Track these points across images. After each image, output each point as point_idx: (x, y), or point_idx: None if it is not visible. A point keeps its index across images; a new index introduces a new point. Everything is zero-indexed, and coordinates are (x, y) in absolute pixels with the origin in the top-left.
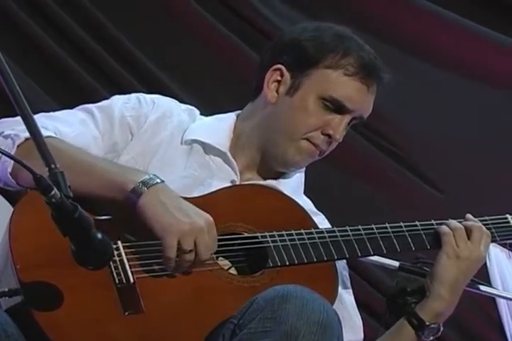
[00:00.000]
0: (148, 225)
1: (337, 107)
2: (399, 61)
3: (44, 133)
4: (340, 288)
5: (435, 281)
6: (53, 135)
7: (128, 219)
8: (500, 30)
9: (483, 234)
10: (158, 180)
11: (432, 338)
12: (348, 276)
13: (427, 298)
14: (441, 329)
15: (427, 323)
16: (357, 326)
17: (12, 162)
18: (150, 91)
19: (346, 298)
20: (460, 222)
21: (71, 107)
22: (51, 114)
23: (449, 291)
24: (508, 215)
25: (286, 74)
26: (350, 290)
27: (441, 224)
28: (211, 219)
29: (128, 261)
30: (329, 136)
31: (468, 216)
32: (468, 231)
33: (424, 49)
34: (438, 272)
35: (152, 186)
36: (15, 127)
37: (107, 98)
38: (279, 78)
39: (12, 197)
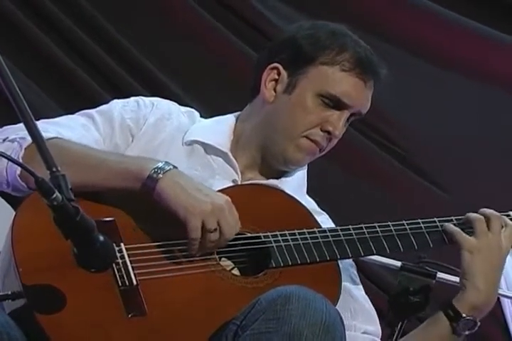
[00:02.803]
0: (168, 209)
1: (335, 103)
2: (399, 60)
3: (47, 135)
4: (348, 284)
5: (467, 275)
6: (57, 136)
7: (131, 220)
8: (501, 29)
9: (504, 224)
10: (172, 166)
11: (467, 332)
12: (355, 273)
13: (463, 291)
14: (478, 324)
15: (463, 315)
16: (373, 317)
17: None
18: (150, 91)
19: (357, 293)
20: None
21: (72, 109)
22: (52, 120)
23: (483, 282)
24: (511, 212)
25: (283, 73)
26: (360, 286)
27: (443, 221)
28: (229, 198)
29: (131, 263)
30: (328, 132)
31: (485, 209)
32: (487, 221)
33: (425, 48)
34: (467, 268)
35: (167, 171)
36: (19, 132)
37: (106, 98)
38: (276, 77)
39: (13, 200)
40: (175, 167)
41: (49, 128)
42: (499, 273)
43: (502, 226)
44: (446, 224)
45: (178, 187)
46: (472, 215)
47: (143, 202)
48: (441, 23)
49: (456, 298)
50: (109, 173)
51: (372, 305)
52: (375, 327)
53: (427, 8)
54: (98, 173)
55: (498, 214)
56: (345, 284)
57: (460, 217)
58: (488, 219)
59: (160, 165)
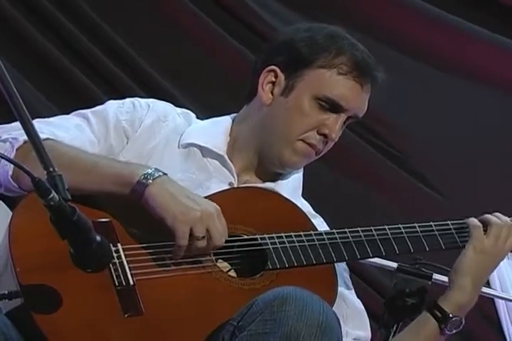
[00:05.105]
0: (156, 215)
1: (332, 106)
2: (397, 62)
3: (41, 136)
4: (343, 289)
5: (459, 273)
6: (50, 137)
7: (128, 220)
8: (501, 32)
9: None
10: (161, 173)
11: (454, 331)
12: (348, 277)
13: (450, 290)
14: (463, 322)
15: (450, 315)
16: (364, 322)
17: (12, 165)
18: (147, 92)
19: (350, 298)
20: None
21: (68, 109)
22: (46, 119)
23: (471, 284)
24: (507, 218)
25: (281, 76)
26: (353, 291)
27: (439, 225)
28: (218, 206)
29: (128, 264)
30: (325, 135)
31: (498, 214)
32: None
33: (424, 51)
34: (463, 264)
35: (157, 178)
36: (12, 132)
37: (103, 99)
38: (273, 79)
39: (11, 201)
40: (165, 174)
41: (43, 128)
42: (487, 277)
43: None
44: (471, 218)
45: (167, 194)
46: (492, 219)
47: (137, 203)
48: (441, 26)
49: (442, 298)
50: (100, 177)
51: (363, 308)
52: (366, 332)
53: (425, 10)
54: (89, 177)
55: (510, 222)
56: (340, 289)
57: (456, 222)
58: (502, 224)
59: (150, 171)
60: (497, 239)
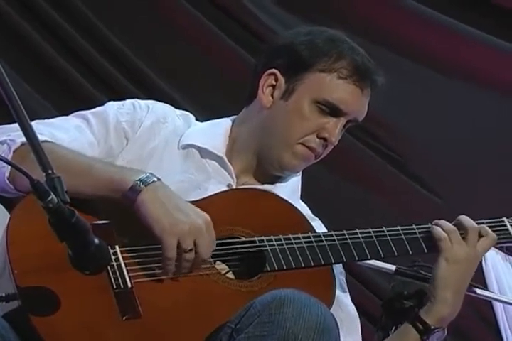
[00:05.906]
0: (146, 224)
1: (332, 110)
2: (396, 65)
3: (39, 138)
4: (338, 292)
5: (438, 286)
6: (49, 139)
7: (126, 222)
8: (496, 34)
9: (486, 233)
10: (155, 179)
11: None
12: (344, 280)
13: (431, 303)
14: (446, 333)
15: (432, 327)
16: (357, 327)
17: (9, 167)
18: (145, 93)
19: (345, 301)
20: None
21: (66, 110)
22: (46, 120)
23: (452, 294)
24: (504, 218)
25: (281, 79)
26: (348, 294)
27: (436, 225)
28: (209, 218)
29: (126, 266)
30: (325, 139)
31: (463, 217)
32: (465, 233)
33: (422, 54)
34: (440, 277)
35: (150, 184)
36: (11, 133)
37: (101, 100)
38: (273, 82)
39: (8, 202)
40: (159, 179)
41: (43, 129)
42: (467, 284)
43: (482, 236)
44: (435, 227)
45: (158, 203)
46: (446, 227)
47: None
48: (439, 29)
49: (424, 310)
50: (94, 181)
51: (356, 313)
52: (358, 337)
53: (419, 11)
54: (84, 180)
55: (475, 225)
56: (336, 292)
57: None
58: (465, 230)
59: (143, 176)
60: (464, 246)
